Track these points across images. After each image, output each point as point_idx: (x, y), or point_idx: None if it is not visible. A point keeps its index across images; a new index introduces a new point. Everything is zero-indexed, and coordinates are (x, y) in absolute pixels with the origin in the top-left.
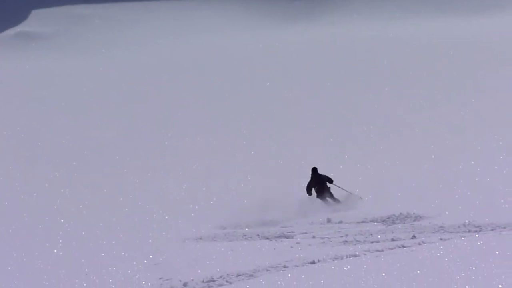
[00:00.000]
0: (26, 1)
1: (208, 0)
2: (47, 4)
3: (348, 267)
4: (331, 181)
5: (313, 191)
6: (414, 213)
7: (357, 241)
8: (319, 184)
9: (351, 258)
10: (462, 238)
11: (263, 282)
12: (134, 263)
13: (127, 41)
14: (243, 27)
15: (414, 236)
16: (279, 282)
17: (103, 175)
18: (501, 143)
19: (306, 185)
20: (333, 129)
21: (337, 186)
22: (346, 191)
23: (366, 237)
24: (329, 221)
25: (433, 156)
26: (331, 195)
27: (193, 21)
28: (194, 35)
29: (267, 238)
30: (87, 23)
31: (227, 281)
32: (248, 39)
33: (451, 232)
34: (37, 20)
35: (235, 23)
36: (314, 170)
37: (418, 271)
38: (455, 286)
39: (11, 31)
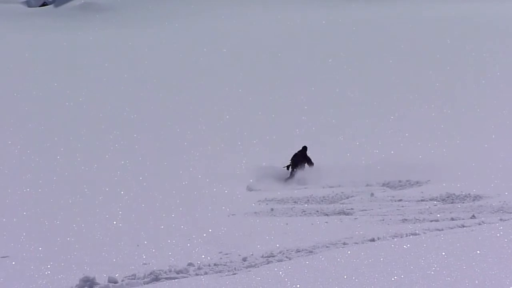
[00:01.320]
0: None
1: None
2: None
3: (408, 245)
4: (311, 164)
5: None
6: (473, 193)
7: (417, 219)
8: (300, 159)
9: (411, 236)
10: None
11: (322, 259)
12: (194, 236)
13: (190, 13)
14: (306, 2)
15: (473, 216)
16: (338, 259)
17: (164, 148)
18: None
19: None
20: (392, 107)
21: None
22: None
23: (426, 216)
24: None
25: (493, 136)
26: (296, 172)
27: None
28: (257, 8)
29: (326, 215)
30: None
31: (286, 257)
32: (312, 13)
33: (511, 213)
34: None
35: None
36: (305, 148)
37: (478, 251)
38: None
39: (75, 2)
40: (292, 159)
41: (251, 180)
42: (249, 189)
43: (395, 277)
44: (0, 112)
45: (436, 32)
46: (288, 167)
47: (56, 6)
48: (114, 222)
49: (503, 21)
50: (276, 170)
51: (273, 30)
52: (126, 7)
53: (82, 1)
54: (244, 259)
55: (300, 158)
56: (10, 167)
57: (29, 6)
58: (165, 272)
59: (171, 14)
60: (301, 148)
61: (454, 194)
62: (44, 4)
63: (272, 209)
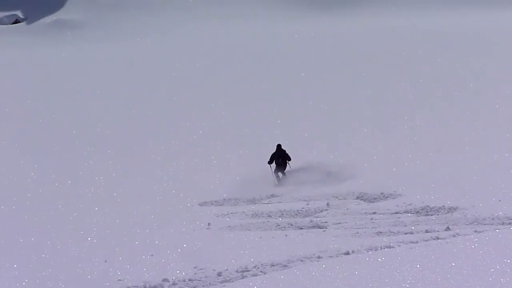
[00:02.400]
0: None
1: None
2: None
3: (383, 258)
4: (289, 158)
5: (274, 162)
6: (448, 205)
7: (391, 232)
8: (281, 157)
9: (386, 249)
10: (497, 230)
11: (297, 273)
12: (168, 251)
13: (161, 29)
14: (281, 14)
15: (448, 228)
16: (313, 273)
17: (137, 163)
18: None
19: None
20: (368, 119)
21: (289, 165)
22: (290, 168)
23: (400, 229)
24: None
25: (467, 148)
26: (284, 170)
27: (226, 8)
28: (227, 22)
29: (301, 228)
30: (122, 11)
31: (261, 271)
32: (284, 27)
33: (485, 224)
34: (73, 8)
35: (273, 11)
36: (279, 146)
37: (453, 263)
38: (490, 279)
39: (47, 19)
40: (272, 159)
41: (225, 195)
42: (222, 203)
43: None
44: None
45: (412, 44)
46: (276, 170)
47: (28, 23)
48: (89, 238)
49: (492, 33)
50: (250, 184)
51: (249, 45)
52: (98, 23)
53: (54, 18)
54: (219, 274)
55: (279, 156)
56: None
57: (1, 24)
58: None
59: (143, 30)
60: (276, 148)
61: (428, 206)
62: (16, 22)
63: (246, 223)
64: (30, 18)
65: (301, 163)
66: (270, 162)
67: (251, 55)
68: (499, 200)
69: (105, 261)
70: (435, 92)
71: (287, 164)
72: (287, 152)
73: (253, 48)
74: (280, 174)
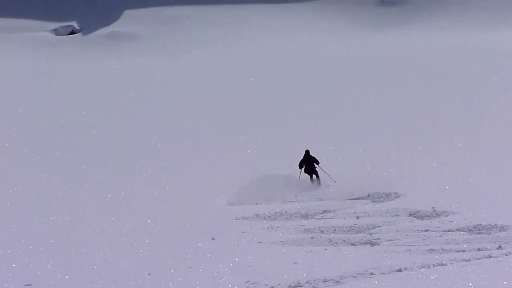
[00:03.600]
0: (119, 2)
1: (297, 4)
2: (139, 5)
3: (435, 276)
4: (317, 162)
5: (304, 167)
6: (500, 223)
7: (443, 250)
8: (308, 162)
9: (438, 267)
10: None
11: None
12: (221, 265)
13: (218, 42)
14: (333, 31)
15: (500, 247)
16: None
17: (190, 176)
18: None
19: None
20: (422, 135)
21: (321, 168)
22: (326, 173)
23: (452, 246)
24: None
25: None
26: (316, 173)
27: (282, 24)
28: (282, 38)
29: (353, 244)
30: (178, 24)
31: (313, 286)
32: (337, 44)
33: None
34: (129, 21)
35: (325, 27)
36: (307, 151)
37: (505, 282)
38: None
39: (103, 31)
40: (302, 166)
41: (277, 209)
42: (275, 217)
43: None
44: (28, 138)
45: (465, 62)
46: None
47: (84, 34)
48: (141, 251)
49: None
50: (303, 198)
51: (301, 61)
52: (154, 36)
53: (110, 30)
54: None
55: (308, 161)
56: (37, 196)
57: (57, 34)
58: None
59: (199, 43)
60: (304, 153)
61: (480, 224)
62: (72, 33)
63: (299, 238)
64: (85, 29)
65: (355, 178)
66: (300, 167)
67: (306, 70)
68: None
69: (149, 274)
70: (491, 110)
71: (318, 168)
72: (314, 157)
73: (308, 64)
74: (313, 176)
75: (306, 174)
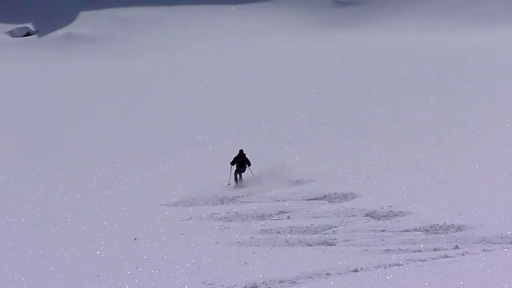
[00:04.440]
0: (74, 3)
1: (253, 5)
2: (95, 7)
3: (391, 276)
4: (249, 164)
5: (235, 165)
6: (457, 223)
7: (400, 250)
8: (242, 161)
9: (394, 267)
10: (505, 249)
11: None
12: (177, 266)
13: (173, 44)
14: (289, 32)
15: (457, 247)
16: None
17: (149, 177)
18: None
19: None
20: (378, 136)
21: (250, 170)
22: (253, 175)
23: (409, 247)
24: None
25: (476, 167)
26: (243, 172)
27: (237, 25)
28: (238, 39)
29: (309, 245)
30: (133, 26)
31: (269, 287)
32: (293, 44)
33: (494, 243)
34: (85, 22)
35: (285, 29)
36: (241, 151)
37: (462, 282)
38: None
39: (59, 32)
40: (234, 162)
41: (234, 210)
42: (231, 218)
43: None
44: None
45: (422, 61)
46: (236, 172)
47: (40, 36)
48: (97, 252)
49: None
50: (260, 200)
51: (257, 62)
52: (110, 38)
53: (65, 31)
54: None
55: (241, 160)
56: None
57: (13, 36)
58: None
59: (155, 46)
60: (239, 152)
61: (437, 224)
62: (27, 34)
63: (254, 239)
64: (41, 31)
65: (311, 179)
66: (232, 164)
67: (262, 71)
68: (508, 219)
69: (98, 276)
70: (446, 110)
71: (247, 169)
72: (247, 157)
73: (264, 64)
74: (239, 176)
75: (236, 173)
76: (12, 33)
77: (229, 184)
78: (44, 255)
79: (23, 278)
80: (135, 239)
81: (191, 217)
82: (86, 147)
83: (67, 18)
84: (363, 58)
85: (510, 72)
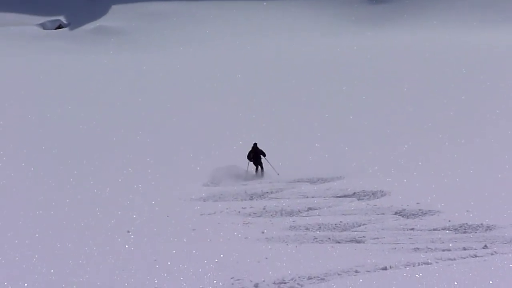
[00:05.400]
0: None
1: (285, 1)
2: (126, 0)
3: (420, 274)
4: (264, 154)
5: (251, 159)
6: (486, 223)
7: (429, 248)
8: (256, 154)
9: (423, 265)
10: None
11: (335, 287)
12: (205, 261)
13: (203, 38)
14: (325, 29)
15: (486, 246)
16: (350, 287)
17: (176, 171)
18: None
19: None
20: (409, 135)
21: (267, 160)
22: (270, 165)
23: (438, 245)
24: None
25: (507, 166)
26: (261, 165)
27: (269, 21)
28: (270, 35)
29: (338, 242)
30: (164, 20)
31: (298, 284)
32: (328, 42)
33: None
34: (116, 16)
35: (317, 25)
36: (255, 144)
37: (491, 282)
38: None
39: (90, 25)
40: (250, 157)
41: (263, 207)
42: (260, 214)
43: None
44: (14, 134)
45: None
46: (255, 166)
47: (71, 29)
48: (126, 246)
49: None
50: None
51: (291, 58)
52: (140, 31)
53: (97, 24)
54: (256, 285)
55: (256, 153)
56: (23, 190)
57: (45, 29)
58: None
59: (185, 40)
60: (252, 145)
61: (466, 223)
62: (59, 27)
63: (284, 236)
64: (73, 23)
65: (341, 176)
66: (248, 159)
67: (293, 67)
68: None
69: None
70: (477, 109)
71: (264, 159)
72: (261, 149)
73: (295, 61)
74: (259, 167)
75: (253, 165)
76: (44, 26)
77: (247, 171)
78: (72, 248)
79: (52, 270)
80: (128, 231)
81: (220, 212)
82: (116, 140)
83: (98, 11)
84: (395, 56)
85: None
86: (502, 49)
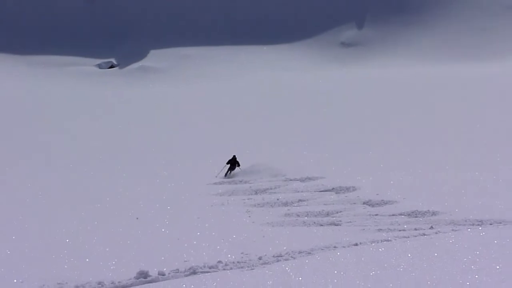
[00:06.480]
0: (146, 43)
1: (279, 46)
2: (161, 46)
3: (382, 249)
4: (239, 165)
5: (229, 165)
6: (432, 209)
7: (389, 229)
8: (233, 162)
9: (385, 242)
10: (469, 229)
11: (318, 258)
12: (222, 240)
13: (220, 74)
14: (309, 66)
15: (432, 227)
16: (330, 258)
17: (203, 175)
18: (499, 159)
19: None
20: (373, 146)
21: (239, 168)
22: (239, 170)
23: (396, 227)
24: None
25: (447, 167)
26: (233, 170)
27: (267, 61)
28: (268, 71)
29: (321, 225)
30: (189, 61)
31: (291, 256)
32: (309, 76)
33: (460, 225)
34: (154, 58)
35: (303, 64)
36: (234, 156)
37: (436, 254)
38: (464, 266)
39: (135, 65)
40: (228, 163)
41: (274, 197)
42: (263, 205)
43: (373, 273)
44: (70, 152)
45: (412, 89)
46: (229, 170)
47: (120, 68)
48: (162, 230)
49: None
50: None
51: (278, 87)
52: (172, 69)
53: (140, 64)
54: (260, 258)
55: (233, 162)
56: (83, 189)
57: (100, 68)
58: (201, 268)
59: (207, 76)
60: (232, 156)
61: (417, 210)
62: (111, 67)
63: (281, 221)
64: (121, 64)
65: (324, 175)
66: (227, 163)
67: (286, 96)
68: (471, 207)
69: (163, 249)
70: (423, 119)
71: (237, 167)
72: (238, 160)
73: (288, 91)
74: (231, 172)
75: (228, 170)
76: (100, 66)
77: (216, 176)
78: (123, 232)
79: (107, 249)
80: (137, 218)
81: (232, 203)
82: (154, 152)
83: (140, 54)
84: (362, 85)
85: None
86: (446, 79)
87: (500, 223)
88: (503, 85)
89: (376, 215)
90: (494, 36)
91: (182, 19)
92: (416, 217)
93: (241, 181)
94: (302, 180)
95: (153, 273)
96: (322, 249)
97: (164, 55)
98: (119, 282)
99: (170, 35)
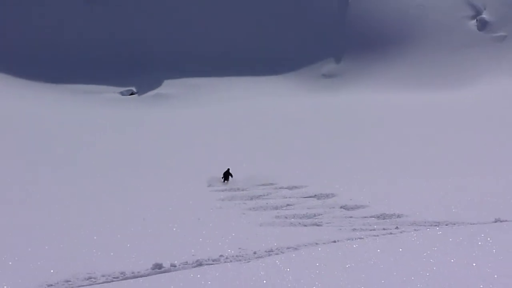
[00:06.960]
0: (161, 74)
1: (271, 77)
2: (174, 76)
3: (356, 245)
4: (232, 176)
5: (223, 176)
6: (397, 213)
7: (362, 229)
8: (227, 173)
9: (358, 239)
10: (427, 229)
11: (303, 253)
12: (223, 238)
13: (224, 101)
14: (293, 94)
15: (397, 227)
16: (313, 253)
17: (209, 184)
18: (458, 170)
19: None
20: (348, 160)
21: (232, 178)
22: (232, 179)
23: (367, 227)
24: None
25: (409, 178)
26: (227, 180)
27: (263, 90)
28: (263, 98)
29: (305, 226)
30: (198, 89)
31: (280, 252)
32: (294, 103)
33: (420, 225)
34: (168, 86)
35: (290, 91)
36: (228, 168)
37: (400, 249)
38: (423, 260)
39: (152, 92)
40: (224, 174)
41: (266, 203)
42: (257, 209)
43: (348, 265)
44: (93, 169)
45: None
46: (223, 178)
47: (139, 95)
48: (174, 229)
49: None
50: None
51: (272, 112)
52: (183, 96)
53: (156, 92)
54: (255, 253)
55: (228, 173)
56: (107, 195)
57: (122, 95)
58: (205, 260)
59: (213, 102)
60: (227, 169)
61: (385, 213)
62: (132, 94)
63: (272, 221)
64: (140, 91)
65: (307, 184)
66: (223, 174)
67: (280, 118)
68: (429, 211)
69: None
70: (398, 144)
71: (230, 177)
72: (231, 172)
73: (277, 117)
74: (225, 181)
75: (223, 179)
76: (122, 93)
77: (208, 186)
78: (141, 230)
79: (128, 245)
80: (144, 219)
81: (232, 207)
82: (170, 165)
83: (157, 83)
84: (340, 112)
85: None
86: (418, 107)
87: (454, 224)
88: (456, 111)
89: (351, 217)
90: (451, 69)
91: (192, 54)
92: (384, 219)
93: (238, 189)
94: (289, 188)
95: (166, 265)
96: (306, 246)
97: (176, 84)
98: (138, 272)
99: (182, 67)
